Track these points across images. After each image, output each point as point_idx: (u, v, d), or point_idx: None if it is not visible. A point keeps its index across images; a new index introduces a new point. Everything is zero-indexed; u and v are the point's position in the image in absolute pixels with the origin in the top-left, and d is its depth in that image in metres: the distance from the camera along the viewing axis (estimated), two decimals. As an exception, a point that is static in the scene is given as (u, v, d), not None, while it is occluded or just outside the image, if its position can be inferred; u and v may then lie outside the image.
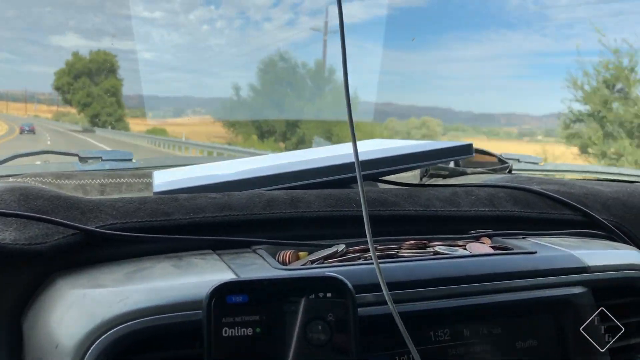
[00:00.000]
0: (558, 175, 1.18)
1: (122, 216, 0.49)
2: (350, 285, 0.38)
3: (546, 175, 1.14)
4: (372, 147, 0.81)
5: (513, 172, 1.08)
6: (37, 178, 0.80)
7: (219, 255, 0.48)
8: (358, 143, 0.96)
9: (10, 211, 0.45)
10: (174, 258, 0.48)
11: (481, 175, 0.95)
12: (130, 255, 0.48)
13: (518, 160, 1.22)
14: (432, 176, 0.99)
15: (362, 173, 0.66)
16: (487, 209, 0.60)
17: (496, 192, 0.64)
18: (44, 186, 0.57)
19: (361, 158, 0.66)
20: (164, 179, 0.69)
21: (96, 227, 0.47)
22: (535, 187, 0.66)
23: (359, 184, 0.46)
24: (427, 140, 0.84)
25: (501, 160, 1.09)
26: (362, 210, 0.56)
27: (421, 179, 0.98)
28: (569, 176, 1.13)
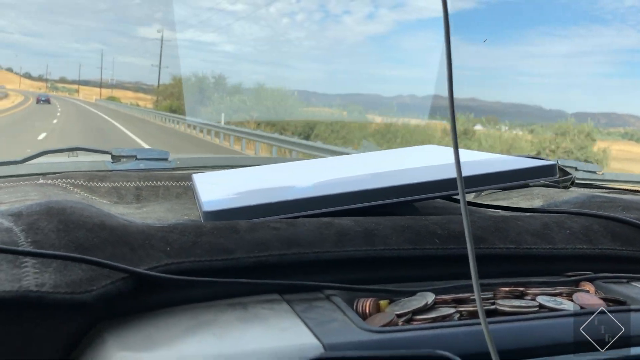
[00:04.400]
0: (619, 186, 1.09)
1: (177, 253, 0.42)
2: None
3: (608, 185, 1.06)
4: (435, 159, 0.74)
5: (576, 181, 1.00)
6: (68, 180, 0.73)
7: (288, 303, 0.41)
8: (410, 150, 0.89)
9: (50, 252, 0.38)
10: (238, 307, 0.41)
11: (546, 189, 0.87)
12: (187, 300, 0.41)
13: (575, 169, 1.14)
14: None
15: (438, 194, 0.59)
16: (585, 247, 0.53)
17: (590, 224, 0.56)
18: (82, 204, 0.50)
19: (439, 176, 0.58)
20: (210, 191, 0.62)
21: (149, 269, 0.40)
22: (633, 219, 0.58)
23: (464, 223, 0.38)
24: (495, 154, 0.76)
25: (563, 171, 1.01)
26: (447, 249, 0.49)
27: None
28: (635, 187, 1.05)
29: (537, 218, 0.56)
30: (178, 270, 0.41)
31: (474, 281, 0.36)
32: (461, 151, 0.78)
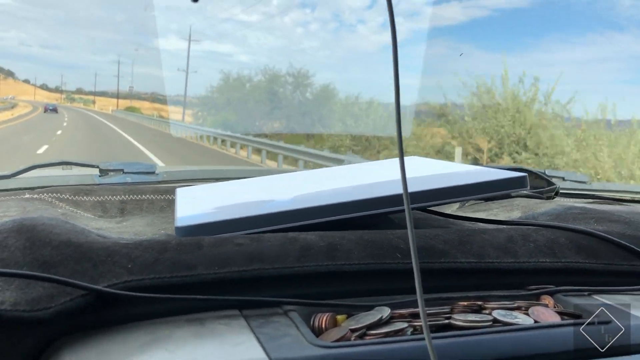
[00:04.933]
0: (605, 195, 1.09)
1: (139, 270, 0.43)
2: None
3: (594, 194, 1.06)
4: (412, 171, 0.75)
5: (560, 191, 1.00)
6: (55, 194, 0.75)
7: (245, 319, 0.42)
8: (389, 161, 0.90)
9: (12, 271, 0.40)
10: (195, 322, 0.42)
11: (527, 200, 0.88)
12: (147, 316, 0.42)
13: (563, 179, 1.15)
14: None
15: (401, 208, 0.60)
16: (548, 260, 0.53)
17: (556, 237, 0.57)
18: (57, 220, 0.52)
19: (411, 188, 0.59)
20: (187, 206, 0.64)
21: (109, 286, 0.41)
22: (599, 232, 0.58)
23: (409, 233, 0.39)
24: (472, 166, 0.77)
25: (547, 181, 1.01)
26: (408, 264, 0.50)
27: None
28: (621, 197, 1.05)
29: (503, 231, 0.57)
30: (138, 287, 0.42)
31: (419, 296, 0.37)
32: (437, 162, 0.79)
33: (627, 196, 1.09)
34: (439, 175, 0.67)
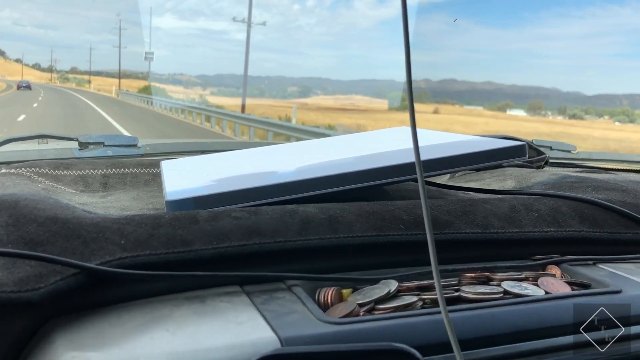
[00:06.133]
0: (593, 164, 1.09)
1: (133, 246, 0.40)
2: None
3: (583, 164, 1.06)
4: (403, 141, 0.73)
5: (550, 161, 0.99)
6: (33, 168, 0.71)
7: (247, 295, 0.40)
8: (381, 132, 0.87)
9: None
10: (195, 300, 0.39)
11: (519, 169, 0.87)
12: (143, 294, 0.40)
13: (550, 148, 1.14)
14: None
15: (406, 178, 0.58)
16: (552, 229, 0.52)
17: (558, 206, 0.56)
18: (39, 195, 0.49)
19: (407, 159, 0.57)
20: (175, 179, 0.61)
21: (102, 263, 0.38)
22: (601, 200, 0.57)
23: (423, 207, 0.37)
24: (465, 135, 0.75)
25: (537, 150, 1.01)
26: (412, 235, 0.48)
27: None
28: (609, 165, 1.05)
29: (505, 201, 0.56)
30: (133, 264, 0.39)
31: (434, 270, 0.35)
32: (431, 132, 0.77)
33: (614, 165, 1.09)
34: (435, 145, 0.65)
